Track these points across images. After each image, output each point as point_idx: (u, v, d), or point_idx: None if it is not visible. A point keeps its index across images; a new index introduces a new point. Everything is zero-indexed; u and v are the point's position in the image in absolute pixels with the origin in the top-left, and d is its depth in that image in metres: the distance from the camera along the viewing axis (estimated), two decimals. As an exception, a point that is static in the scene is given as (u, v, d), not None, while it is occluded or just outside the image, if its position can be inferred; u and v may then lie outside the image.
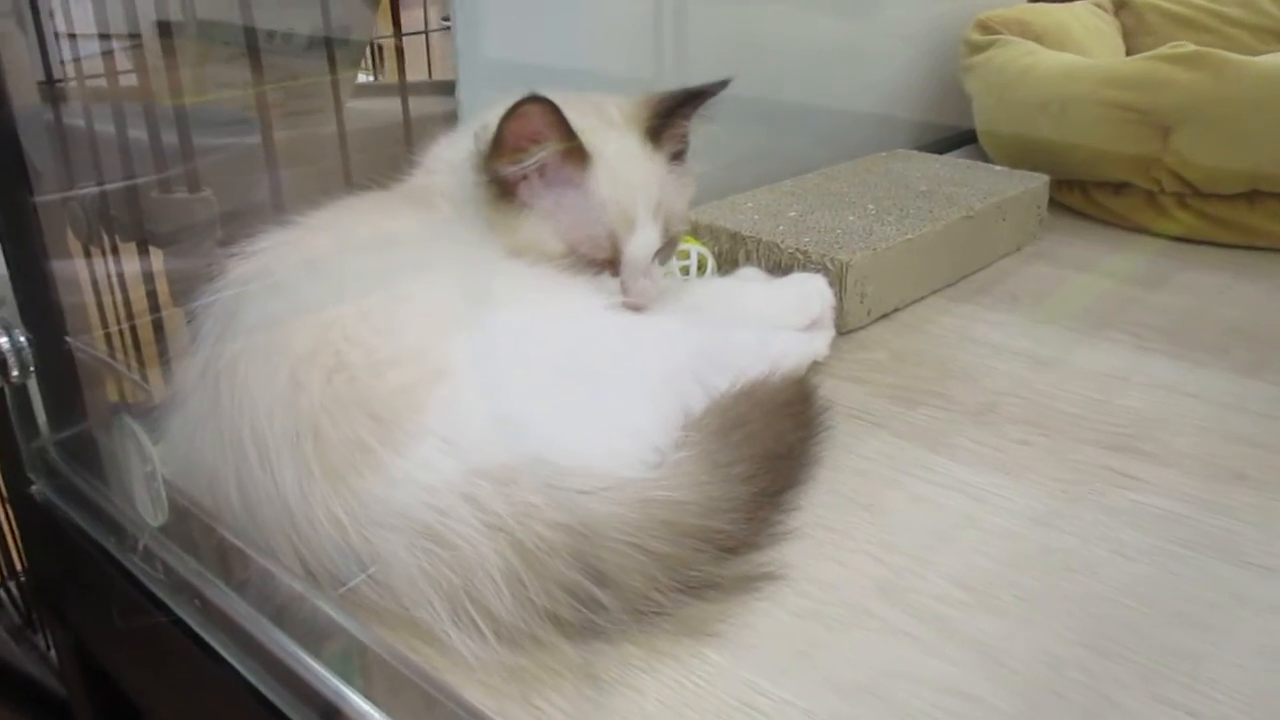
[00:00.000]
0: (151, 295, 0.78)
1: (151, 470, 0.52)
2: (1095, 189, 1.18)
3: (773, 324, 0.80)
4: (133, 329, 0.76)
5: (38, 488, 0.63)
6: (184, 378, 0.61)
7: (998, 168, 1.14)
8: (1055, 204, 1.19)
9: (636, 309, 0.72)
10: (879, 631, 0.54)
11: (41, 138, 0.60)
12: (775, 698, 0.50)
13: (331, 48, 0.98)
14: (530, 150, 0.67)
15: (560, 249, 0.69)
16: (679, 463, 0.58)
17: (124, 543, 0.56)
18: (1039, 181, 1.10)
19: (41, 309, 0.59)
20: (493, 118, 0.70)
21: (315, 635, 0.52)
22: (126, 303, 0.77)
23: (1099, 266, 1.07)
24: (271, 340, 0.57)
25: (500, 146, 0.67)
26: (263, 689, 0.51)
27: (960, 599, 0.57)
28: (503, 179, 0.68)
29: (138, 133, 0.80)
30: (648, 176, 0.71)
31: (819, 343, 0.82)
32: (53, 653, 1.28)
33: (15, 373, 0.57)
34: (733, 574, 0.57)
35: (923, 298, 0.98)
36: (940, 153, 1.36)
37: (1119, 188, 1.15)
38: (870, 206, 1.00)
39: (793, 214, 0.98)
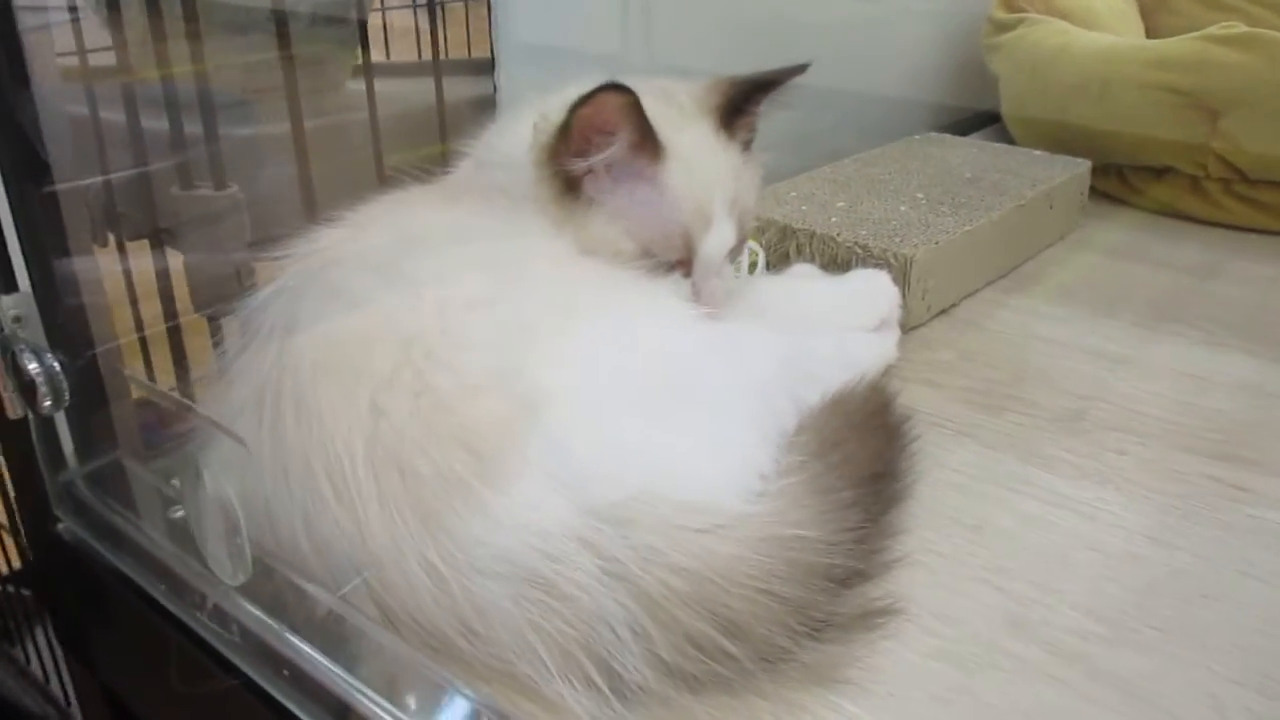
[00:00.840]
0: (168, 299, 0.71)
1: (235, 526, 0.46)
2: (1133, 174, 1.14)
3: (841, 326, 0.75)
4: (174, 334, 0.68)
5: (65, 525, 0.56)
6: (229, 397, 0.55)
7: (1037, 153, 1.10)
8: (1091, 189, 1.16)
9: (708, 312, 0.67)
10: (1018, 673, 0.50)
11: (56, 125, 0.53)
12: (926, 756, 0.45)
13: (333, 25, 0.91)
14: (600, 143, 0.61)
15: (632, 248, 0.63)
16: (787, 491, 0.53)
17: (178, 591, 0.50)
18: (1083, 167, 1.06)
19: (70, 326, 0.53)
20: (554, 106, 0.64)
21: (402, 688, 0.46)
22: (141, 313, 0.70)
23: (1148, 256, 1.03)
24: (343, 358, 0.51)
25: (568, 138, 0.61)
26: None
27: (1097, 632, 0.53)
28: (568, 173, 0.62)
29: (145, 120, 0.72)
30: (723, 170, 0.66)
31: (889, 344, 0.78)
32: (34, 667, 1.21)
33: (48, 402, 0.51)
34: (851, 610, 0.52)
35: (977, 290, 0.94)
36: (962, 135, 1.33)
37: (1161, 172, 1.11)
38: (919, 195, 0.95)
39: (841, 204, 0.93)
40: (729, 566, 0.47)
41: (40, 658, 1.21)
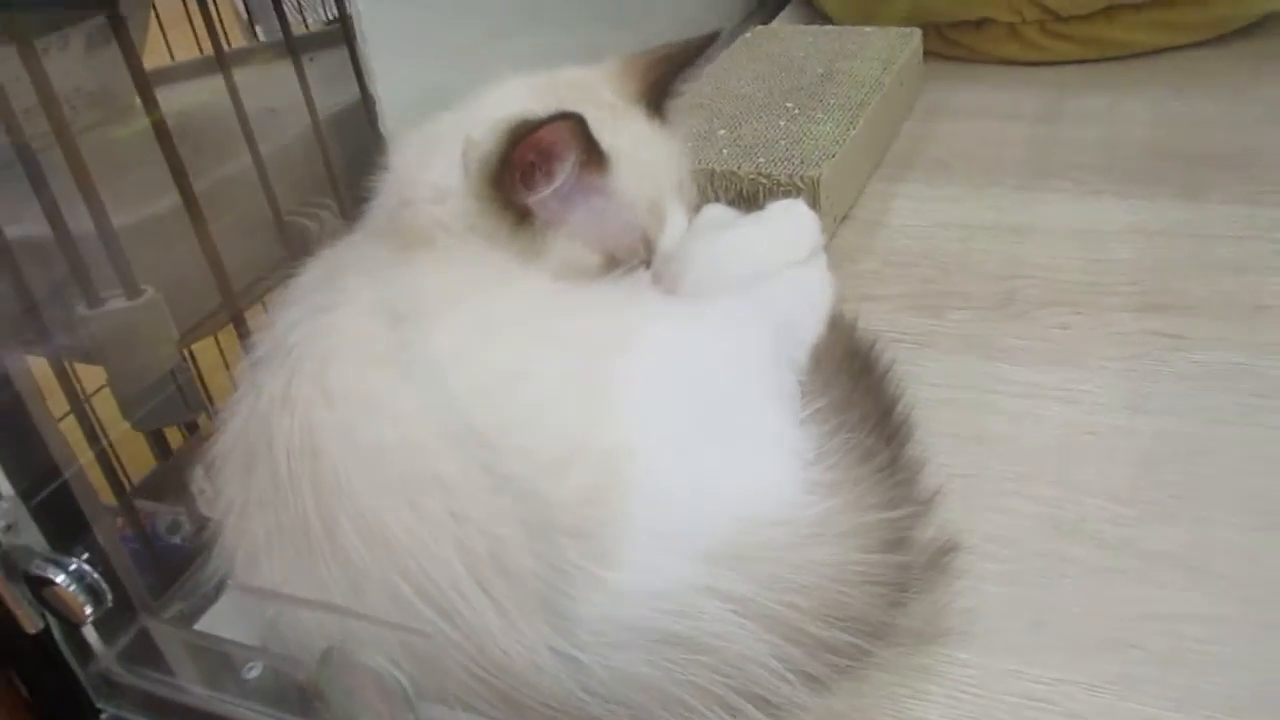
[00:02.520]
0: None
1: (407, 703, 0.43)
2: (951, 29, 1.19)
3: (781, 265, 0.77)
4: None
5: (108, 714, 0.52)
6: (248, 530, 0.51)
7: (868, 29, 1.13)
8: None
9: (667, 291, 0.67)
10: (1086, 576, 0.55)
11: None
12: (1047, 680, 0.50)
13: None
14: (550, 171, 0.59)
15: (597, 261, 0.62)
16: (837, 469, 0.55)
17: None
18: (917, 36, 1.10)
19: (63, 515, 0.47)
20: (480, 129, 0.61)
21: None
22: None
23: (994, 110, 1.09)
24: (394, 472, 0.48)
25: (511, 170, 0.58)
26: None
27: (1127, 515, 0.58)
28: (516, 204, 0.60)
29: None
30: (664, 158, 0.65)
31: (825, 270, 0.80)
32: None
33: (89, 609, 0.45)
34: (921, 560, 0.55)
35: (865, 186, 0.97)
36: (766, 20, 1.34)
37: (979, 24, 1.17)
38: (789, 104, 0.97)
39: (722, 132, 0.93)
40: (838, 569, 0.49)
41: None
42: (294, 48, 0.75)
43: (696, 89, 1.04)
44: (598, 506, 0.47)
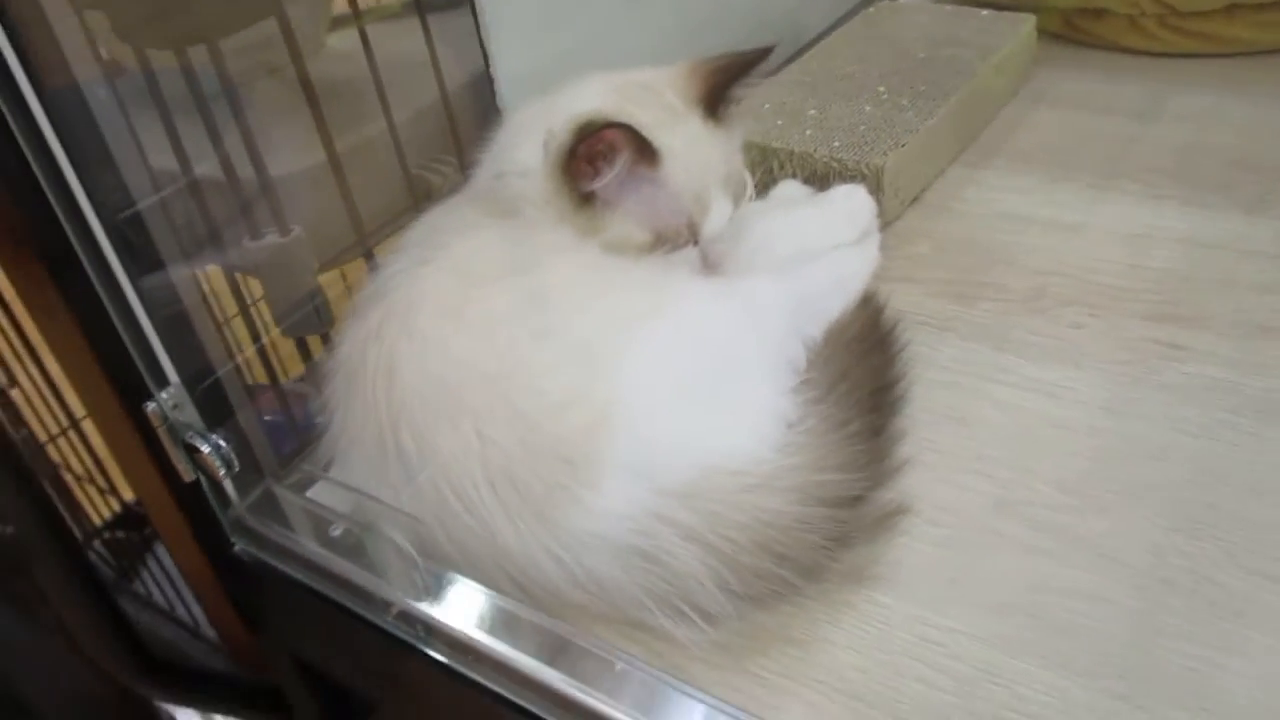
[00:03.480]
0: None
1: (415, 565, 0.60)
2: (1075, 14, 1.22)
3: (829, 245, 0.87)
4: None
5: (240, 547, 0.70)
6: (346, 429, 0.68)
7: (985, 13, 1.18)
8: (1039, 30, 1.24)
9: (715, 270, 0.79)
10: (1010, 549, 0.65)
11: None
12: (944, 628, 0.61)
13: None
14: (604, 167, 0.71)
15: (647, 239, 0.75)
16: (810, 434, 0.67)
17: (360, 598, 0.65)
18: (1029, 24, 1.14)
19: (216, 400, 0.65)
20: (559, 121, 0.74)
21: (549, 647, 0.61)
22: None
23: (1094, 102, 1.13)
24: (446, 398, 0.63)
25: (575, 163, 0.71)
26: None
27: (1069, 504, 0.67)
28: (580, 189, 0.73)
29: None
30: (714, 156, 0.76)
31: (873, 251, 0.89)
32: (155, 596, 1.39)
33: (223, 471, 0.64)
34: (872, 516, 0.67)
35: (945, 170, 1.05)
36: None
37: (1099, 13, 1.19)
38: (881, 89, 1.04)
39: (813, 112, 1.02)
40: (776, 514, 0.61)
41: (161, 589, 1.39)
42: (423, 14, 0.89)
43: (804, 65, 1.13)
44: (587, 442, 0.61)
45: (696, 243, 0.78)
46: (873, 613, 0.62)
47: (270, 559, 0.69)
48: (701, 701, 0.57)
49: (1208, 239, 0.89)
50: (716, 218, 0.77)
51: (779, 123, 1.01)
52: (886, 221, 0.96)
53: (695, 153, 0.75)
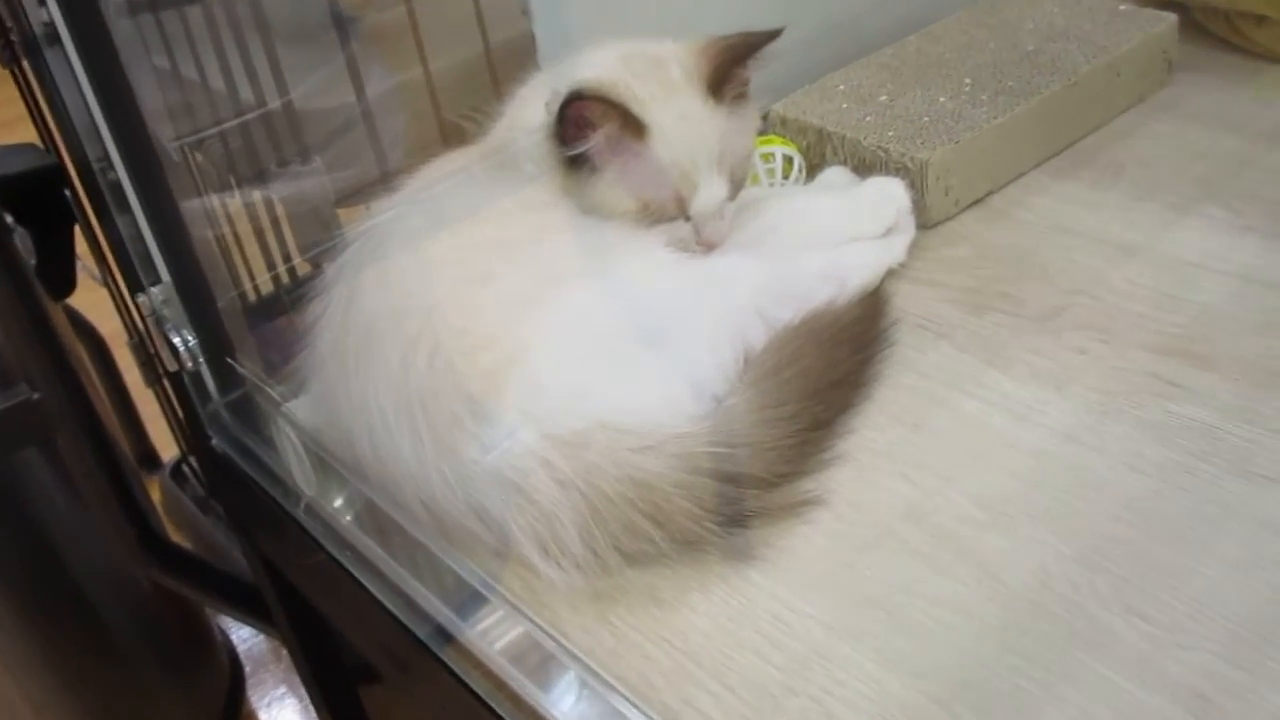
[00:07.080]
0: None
1: (302, 456, 0.76)
2: (1239, 18, 1.22)
3: (848, 236, 0.95)
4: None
5: (216, 441, 0.88)
6: (317, 348, 0.84)
7: (1124, 7, 1.20)
8: (1200, 31, 1.25)
9: (711, 248, 0.89)
10: (897, 552, 0.73)
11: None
12: (800, 612, 0.70)
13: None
14: (586, 134, 0.83)
15: (634, 206, 0.86)
16: (727, 410, 0.77)
17: (285, 491, 0.81)
18: (1164, 24, 1.16)
19: (203, 304, 0.83)
20: (561, 84, 0.87)
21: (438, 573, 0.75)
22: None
23: (1227, 117, 1.13)
24: (385, 324, 0.78)
25: (564, 128, 0.84)
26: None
27: (978, 519, 0.74)
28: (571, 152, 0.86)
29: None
30: (707, 135, 0.86)
31: (896, 249, 0.97)
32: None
33: (190, 364, 0.82)
34: (781, 502, 0.76)
35: (1025, 173, 1.10)
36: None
37: (1260, 19, 1.19)
38: (966, 81, 1.10)
39: (883, 98, 1.10)
40: (655, 477, 0.72)
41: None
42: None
43: (902, 48, 1.20)
44: (490, 382, 0.74)
45: (688, 218, 0.89)
46: (742, 588, 0.72)
47: (236, 456, 0.87)
48: (540, 629, 0.69)
49: (1268, 278, 0.91)
50: (705, 195, 0.87)
51: (844, 106, 1.09)
52: (934, 220, 1.03)
53: (686, 129, 0.86)
